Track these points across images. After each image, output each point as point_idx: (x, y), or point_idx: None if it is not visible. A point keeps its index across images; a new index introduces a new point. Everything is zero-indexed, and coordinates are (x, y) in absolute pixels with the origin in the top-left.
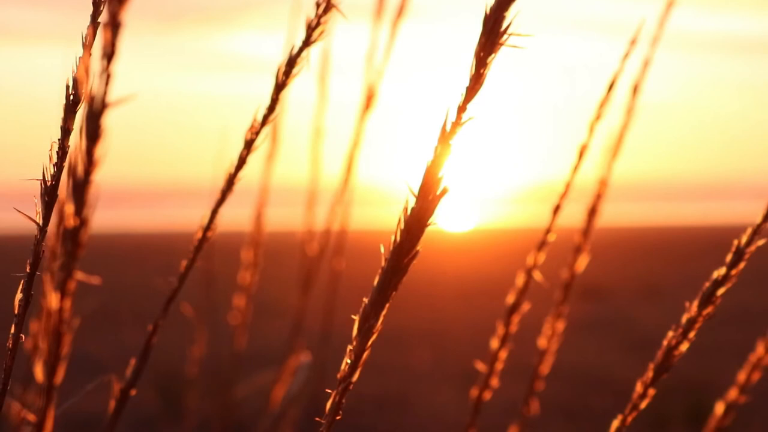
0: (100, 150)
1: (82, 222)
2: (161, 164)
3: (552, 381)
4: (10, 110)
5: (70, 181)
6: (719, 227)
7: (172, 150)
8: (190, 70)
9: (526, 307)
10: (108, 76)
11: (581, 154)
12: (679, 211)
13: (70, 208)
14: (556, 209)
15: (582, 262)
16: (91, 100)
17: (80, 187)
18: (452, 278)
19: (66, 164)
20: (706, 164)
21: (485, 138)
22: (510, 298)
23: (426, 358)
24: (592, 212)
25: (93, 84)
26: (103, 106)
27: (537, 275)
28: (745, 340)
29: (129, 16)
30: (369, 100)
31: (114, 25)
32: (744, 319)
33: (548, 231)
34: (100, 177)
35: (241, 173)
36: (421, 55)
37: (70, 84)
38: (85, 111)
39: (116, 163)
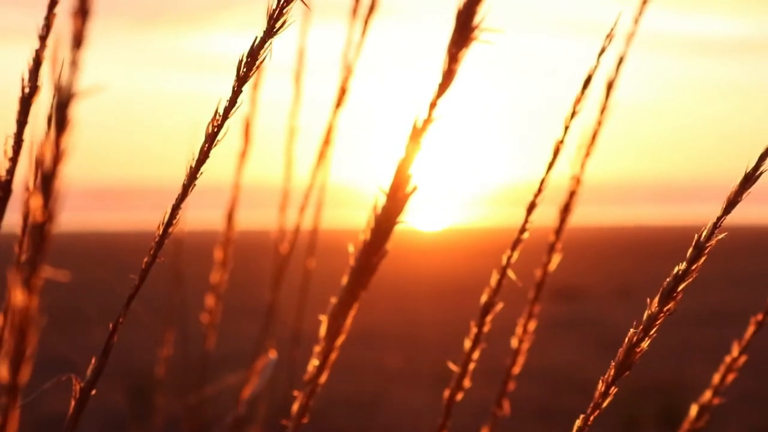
0: (67, 141)
1: (50, 216)
2: (133, 163)
3: (524, 381)
4: None
5: (37, 174)
6: (692, 228)
7: (146, 149)
8: (166, 69)
9: (499, 306)
10: (76, 66)
11: (556, 152)
12: (651, 212)
13: (37, 202)
14: (531, 207)
15: (555, 261)
16: (59, 89)
17: (48, 180)
18: (424, 278)
19: (28, 158)
20: (680, 165)
21: (458, 137)
22: (483, 298)
23: (399, 359)
24: (566, 210)
25: (60, 73)
26: (71, 95)
27: (511, 274)
28: (716, 342)
29: (104, 13)
30: (341, 97)
31: (83, 13)
32: (714, 320)
33: (522, 229)
34: (70, 174)
35: (205, 168)
36: (396, 53)
37: (26, 76)
38: (54, 101)
39: (89, 161)
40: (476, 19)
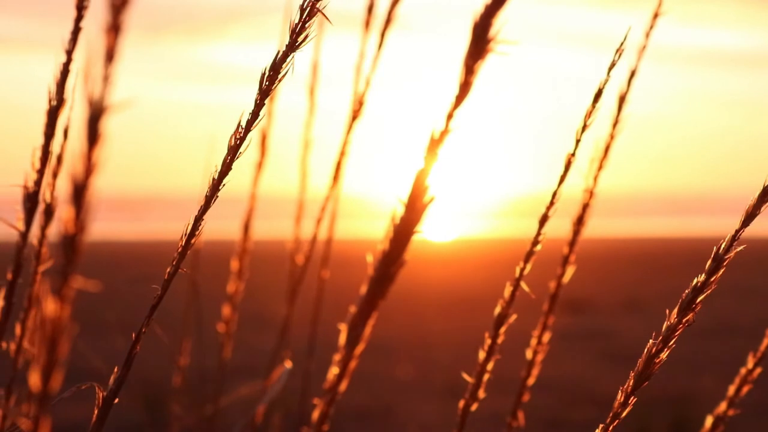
0: (98, 154)
1: (81, 227)
2: (147, 174)
3: (535, 392)
4: None
5: (70, 186)
6: (702, 240)
7: (158, 160)
8: (177, 80)
9: (512, 318)
10: (108, 80)
11: (568, 164)
12: (661, 224)
13: (69, 213)
14: (544, 219)
15: (569, 274)
16: (91, 103)
17: (80, 192)
18: (435, 289)
19: (60, 170)
20: (690, 178)
21: (471, 149)
22: (497, 310)
23: (410, 370)
24: (579, 222)
25: (92, 88)
26: (102, 109)
27: (524, 286)
28: (727, 354)
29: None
30: (357, 110)
31: (115, 29)
32: (726, 333)
33: (536, 241)
34: (100, 185)
35: (226, 180)
36: (411, 65)
37: (53, 90)
38: (86, 114)
39: (102, 172)
40: (492, 32)
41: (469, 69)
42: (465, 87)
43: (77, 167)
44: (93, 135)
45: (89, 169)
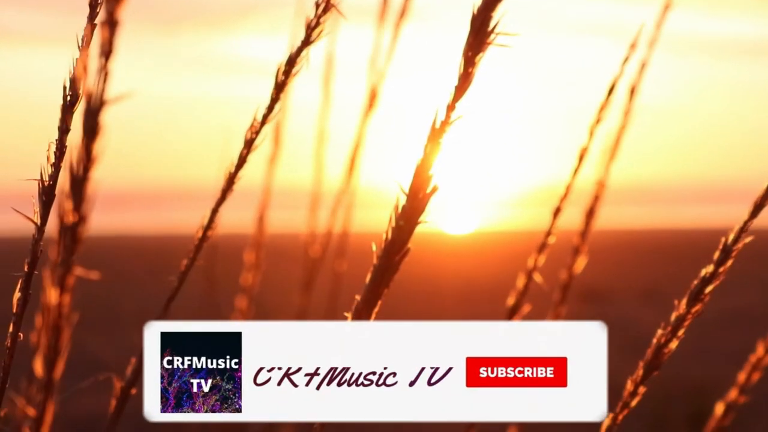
0: (98, 146)
1: (81, 218)
2: (162, 166)
3: None
4: (9, 111)
5: (69, 178)
6: (719, 230)
7: (173, 152)
8: (192, 73)
9: (526, 308)
10: (106, 74)
11: (581, 157)
12: (678, 215)
13: (68, 205)
14: (557, 211)
15: (580, 264)
16: (90, 97)
17: (79, 184)
18: (452, 281)
19: (64, 163)
20: (705, 167)
21: (484, 141)
22: (510, 300)
23: None
24: (590, 214)
25: (91, 82)
26: (101, 103)
27: (537, 277)
28: (747, 344)
29: (130, 18)
30: (372, 101)
31: (111, 24)
32: (745, 322)
33: (549, 233)
34: (100, 177)
35: (242, 173)
36: (425, 56)
37: (67, 84)
38: (84, 108)
39: (117, 165)
40: (491, 24)
41: (469, 61)
42: (465, 78)
43: (77, 160)
44: (92, 128)
45: (89, 161)
